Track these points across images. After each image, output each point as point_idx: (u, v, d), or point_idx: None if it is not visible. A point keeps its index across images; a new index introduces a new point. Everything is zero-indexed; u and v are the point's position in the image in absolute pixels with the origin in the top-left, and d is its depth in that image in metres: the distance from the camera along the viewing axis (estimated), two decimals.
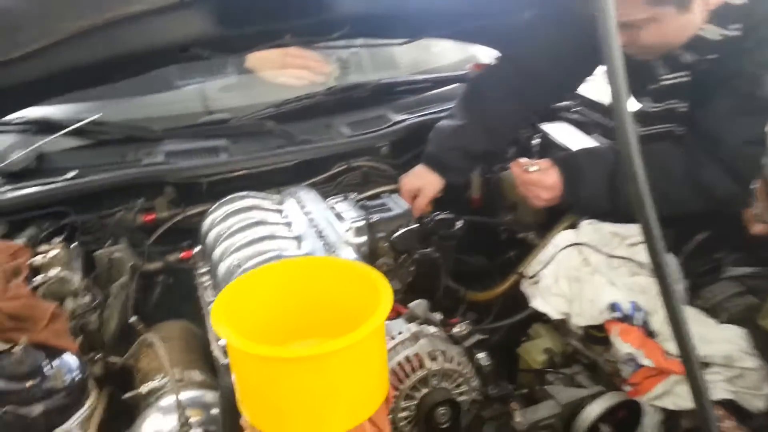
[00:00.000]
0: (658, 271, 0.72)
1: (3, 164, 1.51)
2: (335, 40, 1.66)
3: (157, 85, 2.08)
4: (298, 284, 0.96)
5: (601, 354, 1.31)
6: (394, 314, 1.34)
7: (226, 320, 0.84)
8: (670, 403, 1.26)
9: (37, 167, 1.57)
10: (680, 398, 1.24)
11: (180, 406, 1.00)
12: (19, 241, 1.37)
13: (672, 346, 1.25)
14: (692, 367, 0.74)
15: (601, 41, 0.68)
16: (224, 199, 1.50)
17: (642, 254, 1.37)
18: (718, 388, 1.22)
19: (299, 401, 0.83)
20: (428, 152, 1.70)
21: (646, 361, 1.25)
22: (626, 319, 1.27)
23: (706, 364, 1.23)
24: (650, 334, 1.27)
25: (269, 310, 0.94)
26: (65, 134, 1.65)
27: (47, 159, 1.61)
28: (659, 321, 1.26)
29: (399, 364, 1.11)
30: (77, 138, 1.70)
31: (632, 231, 1.40)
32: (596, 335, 1.33)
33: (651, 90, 1.50)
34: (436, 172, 1.68)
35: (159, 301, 1.55)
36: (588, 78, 1.80)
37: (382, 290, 0.89)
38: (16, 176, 1.53)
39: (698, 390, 0.74)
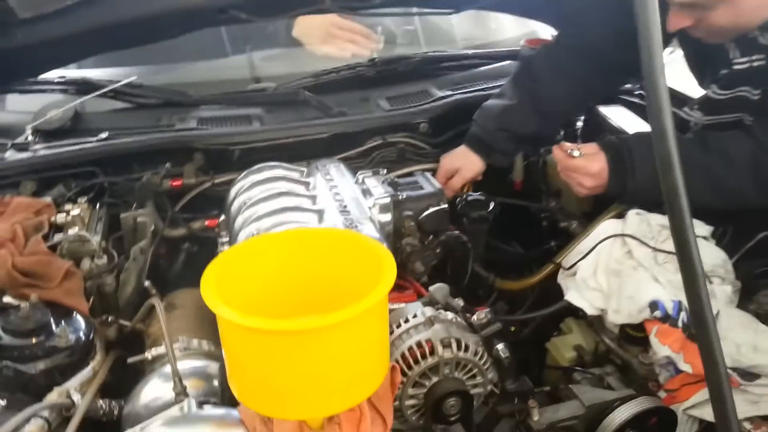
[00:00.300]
0: (685, 262, 0.61)
1: (39, 121, 1.51)
2: (377, 7, 1.59)
3: (207, 54, 2.08)
4: (298, 256, 0.90)
5: (636, 355, 1.20)
6: (414, 297, 1.28)
7: (218, 288, 0.80)
8: (708, 415, 1.15)
9: (73, 127, 1.57)
10: None
11: (176, 374, 0.97)
12: (46, 199, 1.37)
13: None
14: (717, 374, 0.63)
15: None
16: (252, 168, 1.47)
17: None
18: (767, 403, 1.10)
19: (289, 379, 0.78)
20: (472, 132, 1.61)
21: (685, 367, 1.14)
22: (668, 319, 1.15)
23: (756, 376, 1.11)
24: (693, 337, 1.15)
25: (267, 281, 0.89)
26: (104, 96, 1.66)
27: (83, 119, 1.61)
28: None
29: (410, 348, 1.05)
30: (115, 101, 1.69)
31: None
32: (633, 335, 1.22)
33: (722, 75, 1.36)
34: (478, 154, 1.59)
35: (182, 269, 1.53)
36: None
37: (386, 265, 0.83)
38: (51, 135, 1.54)
39: (721, 398, 0.64)
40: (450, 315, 1.12)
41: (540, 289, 1.52)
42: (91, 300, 1.21)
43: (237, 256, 0.87)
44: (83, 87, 1.65)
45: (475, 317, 1.11)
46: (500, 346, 1.08)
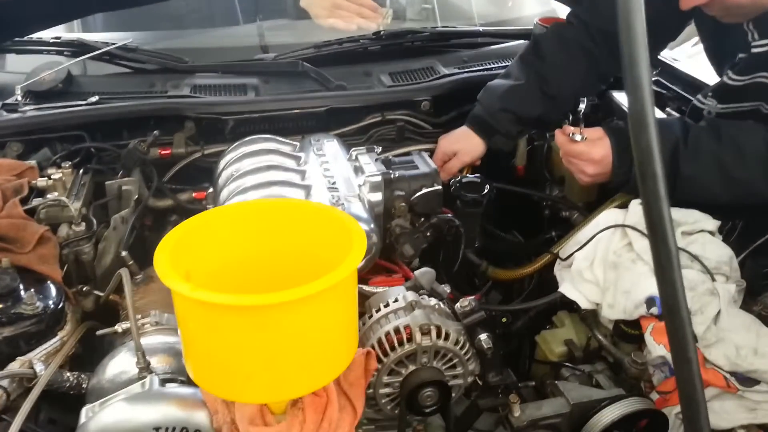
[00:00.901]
0: (657, 239, 0.55)
1: (28, 82, 1.48)
2: None
3: (217, 22, 2.04)
4: (265, 229, 0.85)
5: (629, 353, 1.14)
6: (402, 280, 1.23)
7: (175, 261, 0.75)
8: None
9: (65, 90, 1.53)
10: (716, 415, 1.07)
11: (138, 348, 0.93)
12: (31, 162, 1.33)
13: (715, 354, 1.06)
14: (689, 372, 0.57)
15: None
16: (244, 140, 1.42)
17: (698, 245, 1.17)
18: (765, 411, 1.04)
19: (248, 359, 0.74)
20: (475, 112, 1.54)
21: None
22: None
23: (755, 381, 1.04)
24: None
25: (230, 256, 0.84)
26: (99, 60, 1.61)
27: (76, 82, 1.57)
28: (704, 323, 1.08)
29: (387, 334, 1.00)
30: (111, 64, 1.65)
31: (690, 217, 1.21)
32: (627, 332, 1.16)
33: (739, 60, 1.27)
34: (480, 136, 1.53)
35: None
36: (670, 42, 1.58)
37: (355, 239, 0.77)
38: (42, 96, 1.50)
39: (693, 399, 0.58)
40: (433, 301, 1.07)
41: (538, 281, 1.46)
42: (66, 268, 1.18)
43: (198, 227, 0.82)
44: (79, 49, 1.61)
45: (458, 305, 1.05)
46: (483, 337, 1.02)
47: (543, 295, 1.28)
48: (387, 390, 1.02)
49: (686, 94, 1.62)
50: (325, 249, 0.83)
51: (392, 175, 1.29)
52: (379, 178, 1.28)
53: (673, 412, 1.10)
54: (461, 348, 1.02)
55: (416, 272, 1.15)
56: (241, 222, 0.85)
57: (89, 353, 1.15)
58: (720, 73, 1.44)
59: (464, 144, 1.53)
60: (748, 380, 1.04)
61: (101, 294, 1.20)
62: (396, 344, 0.99)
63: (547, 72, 1.48)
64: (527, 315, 1.29)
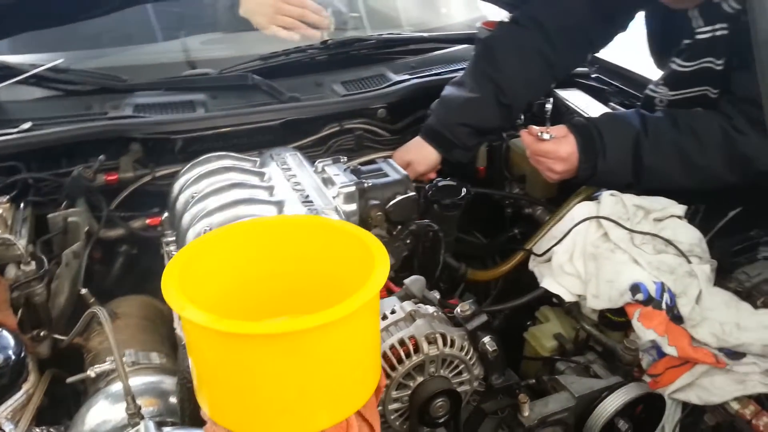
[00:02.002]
0: None
1: None
2: None
3: (137, 39, 1.91)
4: (273, 248, 0.79)
5: (620, 341, 1.15)
6: (385, 293, 1.19)
7: (180, 287, 0.68)
8: (694, 397, 1.13)
9: None
10: (706, 392, 1.11)
11: (128, 392, 0.83)
12: None
13: (702, 333, 1.10)
14: None
15: None
16: (198, 159, 1.34)
17: (669, 230, 1.21)
18: (754, 381, 1.08)
19: (268, 391, 0.67)
20: (430, 125, 1.51)
21: (669, 350, 1.10)
22: (650, 301, 1.11)
23: (741, 354, 1.08)
24: (676, 319, 1.12)
25: (234, 280, 0.78)
26: (25, 83, 1.47)
27: (2, 109, 1.43)
28: (689, 304, 1.11)
29: (392, 347, 0.96)
30: (39, 88, 1.51)
31: (658, 204, 1.25)
32: (613, 319, 1.18)
33: (685, 46, 1.33)
34: (437, 148, 1.49)
35: (120, 275, 1.38)
36: (619, 33, 1.60)
37: (376, 255, 0.73)
38: None
39: None
40: (431, 309, 1.04)
41: (504, 280, 1.47)
42: (20, 313, 1.05)
43: (197, 252, 0.75)
44: (2, 72, 1.46)
45: (458, 309, 1.03)
46: (486, 339, 1.00)
47: (513, 294, 1.28)
48: (396, 405, 0.98)
49: (627, 88, 1.69)
50: (337, 266, 0.78)
51: (365, 185, 1.25)
52: (353, 188, 1.24)
53: (666, 392, 1.13)
54: (466, 354, 1.00)
55: (406, 281, 1.11)
56: (241, 243, 0.79)
57: (53, 404, 1.03)
58: (660, 64, 1.51)
59: (416, 154, 1.50)
60: (735, 354, 1.08)
61: (61, 338, 1.09)
62: (403, 356, 0.95)
63: (503, 81, 1.46)
64: (502, 314, 1.29)
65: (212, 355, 0.68)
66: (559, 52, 1.46)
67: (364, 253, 0.74)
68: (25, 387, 0.94)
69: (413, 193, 1.28)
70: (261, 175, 1.32)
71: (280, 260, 0.79)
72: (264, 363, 0.65)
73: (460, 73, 1.55)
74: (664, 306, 1.11)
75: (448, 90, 1.53)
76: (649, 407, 1.12)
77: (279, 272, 0.80)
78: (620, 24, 1.52)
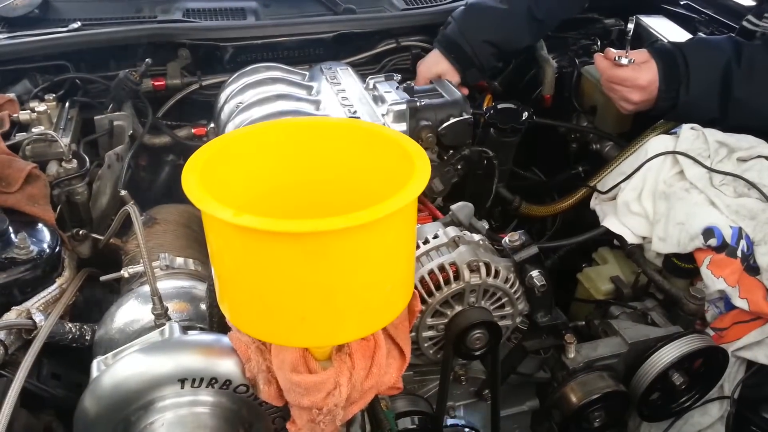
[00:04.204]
0: None
1: (1, 5, 1.30)
2: None
3: None
4: (308, 151, 0.73)
5: (685, 289, 1.05)
6: (430, 219, 1.12)
7: (203, 184, 0.63)
8: (762, 356, 1.03)
9: (41, 16, 1.37)
10: None
11: (155, 293, 0.81)
12: (9, 94, 1.18)
13: None
14: None
15: None
16: (245, 69, 1.29)
17: (754, 172, 1.08)
18: None
19: (293, 297, 0.62)
20: (450, 36, 1.35)
21: (740, 303, 1.00)
22: (724, 248, 1.00)
23: None
24: (752, 269, 1.00)
25: (269, 181, 0.72)
26: None
27: (53, 8, 1.41)
28: (767, 254, 0.99)
29: (430, 272, 0.90)
30: None
31: (745, 143, 1.11)
32: (680, 266, 1.07)
33: None
34: (453, 65, 1.35)
35: (166, 185, 1.36)
36: None
37: (417, 162, 0.66)
38: (15, 23, 1.34)
39: None
40: (477, 236, 0.97)
41: (562, 218, 1.37)
42: (59, 210, 1.05)
43: (226, 147, 0.70)
44: None
45: (507, 239, 0.95)
46: (535, 273, 0.93)
47: (569, 234, 1.18)
48: (430, 333, 0.92)
49: (720, 17, 1.51)
50: (376, 175, 0.71)
51: (417, 103, 1.17)
52: (403, 107, 1.16)
53: (730, 349, 1.03)
54: (511, 286, 0.92)
55: (453, 206, 1.04)
56: (274, 143, 0.73)
57: (89, 302, 1.03)
58: None
59: (446, 66, 1.36)
60: None
61: (99, 238, 1.08)
62: (442, 283, 0.89)
63: None
64: (556, 254, 1.20)
65: (232, 256, 0.63)
66: None
67: (404, 161, 0.67)
68: (59, 281, 0.94)
69: (469, 116, 1.19)
70: (309, 88, 1.26)
71: (316, 164, 0.73)
72: (287, 265, 0.60)
73: None
74: (739, 254, 1.00)
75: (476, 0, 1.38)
76: (709, 363, 1.03)
77: (313, 178, 0.74)
78: None
